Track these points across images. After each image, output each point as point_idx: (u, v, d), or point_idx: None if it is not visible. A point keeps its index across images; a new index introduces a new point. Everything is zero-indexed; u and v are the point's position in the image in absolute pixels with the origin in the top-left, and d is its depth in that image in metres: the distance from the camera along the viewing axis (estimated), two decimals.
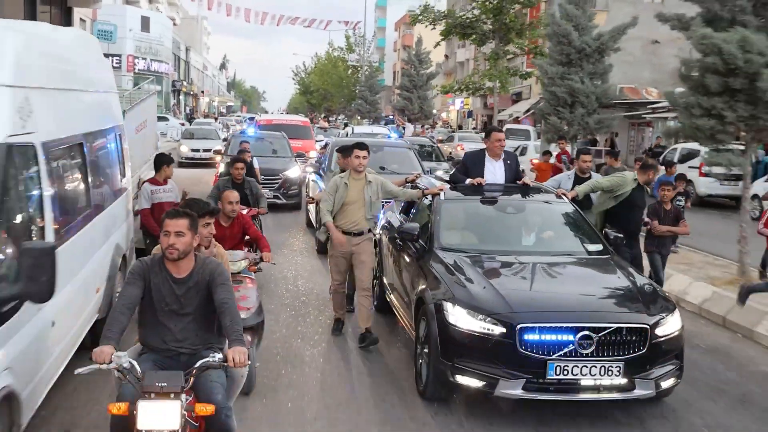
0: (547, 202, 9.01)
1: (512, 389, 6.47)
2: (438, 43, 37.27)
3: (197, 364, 4.73)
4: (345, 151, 9.42)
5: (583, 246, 8.23)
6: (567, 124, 22.30)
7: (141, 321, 5.14)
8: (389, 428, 6.59)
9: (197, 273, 5.06)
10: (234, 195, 8.34)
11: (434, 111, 62.60)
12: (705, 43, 12.56)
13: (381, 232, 9.48)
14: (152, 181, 10.11)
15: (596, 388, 6.48)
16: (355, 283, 8.80)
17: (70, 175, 7.03)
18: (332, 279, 9.05)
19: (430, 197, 8.86)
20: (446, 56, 60.60)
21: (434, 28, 35.47)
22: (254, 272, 7.72)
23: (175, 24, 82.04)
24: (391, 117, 61.38)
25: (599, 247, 8.16)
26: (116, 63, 57.26)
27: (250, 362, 4.96)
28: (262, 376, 7.33)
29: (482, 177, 9.08)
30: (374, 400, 7.17)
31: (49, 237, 5.84)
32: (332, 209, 8.59)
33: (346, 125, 44.52)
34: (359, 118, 61.45)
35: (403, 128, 44.40)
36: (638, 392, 6.54)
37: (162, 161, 10.23)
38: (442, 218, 8.29)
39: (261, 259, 7.84)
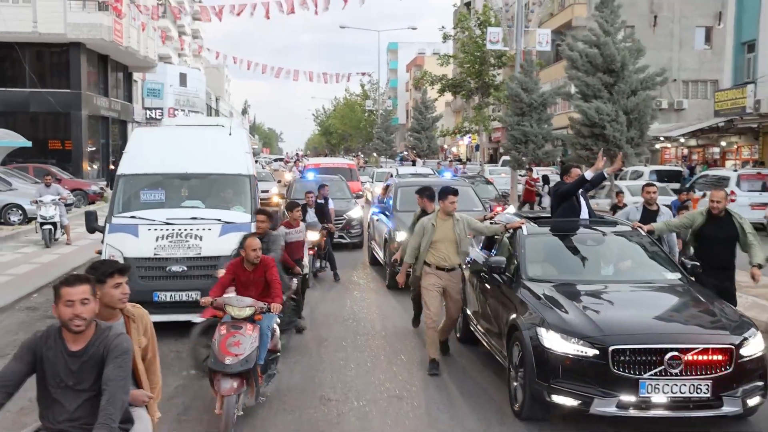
0: (623, 235, 9.14)
1: (606, 407, 6.63)
2: (436, 99, 50.19)
3: None
4: (423, 193, 10.31)
5: (662, 274, 8.39)
6: (523, 156, 31.40)
7: (38, 397, 4.45)
8: None
9: (93, 345, 4.35)
10: (257, 242, 7.90)
11: (445, 146, 68.88)
12: (579, 108, 26.02)
13: (464, 267, 9.71)
14: (286, 224, 11.39)
15: (687, 406, 6.62)
16: (446, 313, 9.27)
17: None
18: (426, 317, 9.07)
19: (510, 232, 9.07)
20: (454, 96, 62.37)
21: (433, 88, 44.13)
22: (259, 320, 7.31)
23: None
24: (405, 153, 63.50)
25: (677, 275, 8.33)
26: (159, 115, 59.09)
27: None
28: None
29: (576, 211, 9.78)
30: (475, 420, 7.39)
31: None
32: (417, 248, 9.03)
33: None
34: (376, 155, 64.28)
35: (413, 162, 46.16)
36: (726, 409, 6.67)
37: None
38: (527, 251, 8.53)
39: (268, 309, 7.40)
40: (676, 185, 27.00)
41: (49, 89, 38.96)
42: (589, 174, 9.70)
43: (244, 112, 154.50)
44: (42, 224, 18.89)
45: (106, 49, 41.72)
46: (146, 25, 47.68)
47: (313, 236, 13.63)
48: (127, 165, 11.74)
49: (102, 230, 11.08)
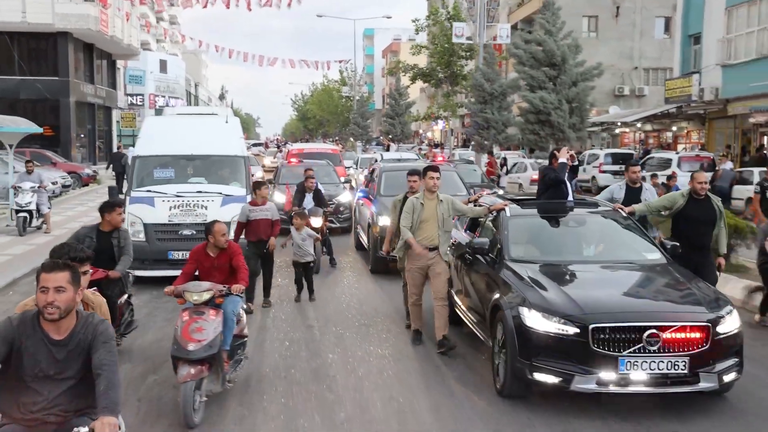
0: (605, 216, 8.86)
1: (586, 384, 6.40)
2: (408, 86, 51.79)
3: None
4: (414, 173, 9.62)
5: (642, 255, 8.08)
6: (485, 140, 32.66)
7: (1, 388, 3.96)
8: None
9: (79, 333, 3.94)
10: (224, 227, 7.54)
11: (420, 131, 75.07)
12: (526, 98, 28.24)
13: (448, 249, 9.25)
14: (252, 202, 10.75)
15: (664, 382, 6.40)
16: (432, 293, 8.65)
17: None
18: (410, 293, 8.88)
19: (494, 213, 8.72)
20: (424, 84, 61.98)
21: (405, 75, 45.53)
22: (220, 304, 6.83)
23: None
24: (381, 138, 62.59)
25: (657, 255, 8.03)
26: (140, 101, 57.79)
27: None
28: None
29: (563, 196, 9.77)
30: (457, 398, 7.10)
31: None
32: (411, 226, 8.57)
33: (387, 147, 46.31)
34: (353, 140, 63.20)
35: (388, 147, 45.32)
36: (703, 385, 6.45)
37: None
38: (510, 233, 8.20)
39: (229, 291, 6.89)
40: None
41: (37, 77, 38.44)
42: (564, 160, 9.66)
43: (222, 97, 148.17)
44: (17, 212, 17.10)
45: (92, 38, 41.07)
46: (130, 15, 46.90)
47: (317, 222, 13.06)
48: (141, 148, 13.25)
49: (123, 202, 11.89)
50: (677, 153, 28.88)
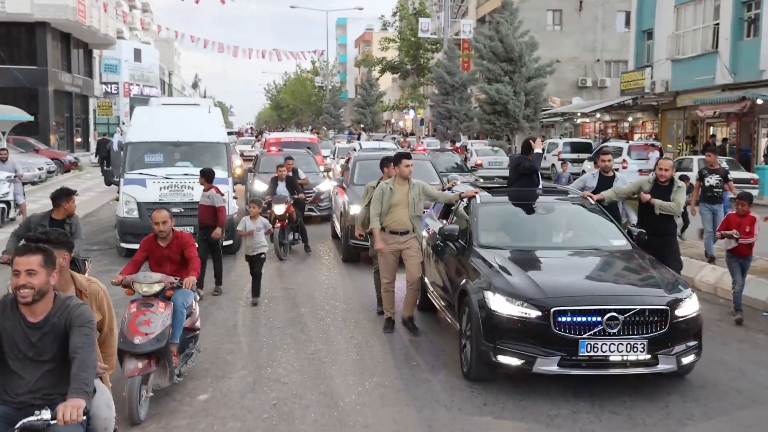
0: (574, 204, 8.68)
1: (548, 366, 6.29)
2: (377, 79, 53.97)
3: (17, 426, 3.59)
4: (389, 161, 9.27)
5: (608, 241, 7.92)
6: (447, 129, 33.26)
7: None
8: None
9: (54, 316, 3.83)
10: (163, 214, 6.90)
11: (392, 120, 73.49)
12: (483, 89, 28.42)
13: (423, 237, 9.03)
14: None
15: (623, 364, 6.29)
16: (406, 276, 8.38)
17: None
18: (383, 278, 8.54)
19: (466, 201, 8.53)
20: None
21: (374, 69, 47.10)
22: (170, 297, 6.29)
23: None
24: (351, 127, 61.95)
25: (623, 242, 7.88)
26: (114, 90, 56.65)
27: (85, 417, 3.64)
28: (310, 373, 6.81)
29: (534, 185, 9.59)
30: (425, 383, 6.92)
31: None
32: (380, 213, 8.33)
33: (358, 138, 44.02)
34: (326, 129, 62.57)
35: (359, 136, 44.23)
36: (662, 367, 6.35)
37: None
38: (479, 219, 8.00)
39: (180, 284, 6.36)
40: (588, 155, 28.62)
41: (16, 66, 37.53)
42: (537, 150, 9.59)
43: (195, 86, 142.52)
44: None
45: (70, 28, 40.20)
46: (107, 6, 45.95)
47: (279, 209, 12.79)
48: (133, 135, 13.94)
49: (118, 183, 13.32)
50: (627, 142, 29.47)
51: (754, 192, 19.60)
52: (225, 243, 11.61)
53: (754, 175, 22.58)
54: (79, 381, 3.62)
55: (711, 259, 11.61)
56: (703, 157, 16.37)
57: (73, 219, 7.79)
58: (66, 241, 4.71)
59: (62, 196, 7.73)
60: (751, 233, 8.81)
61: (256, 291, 9.88)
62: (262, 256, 10.09)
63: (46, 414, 3.56)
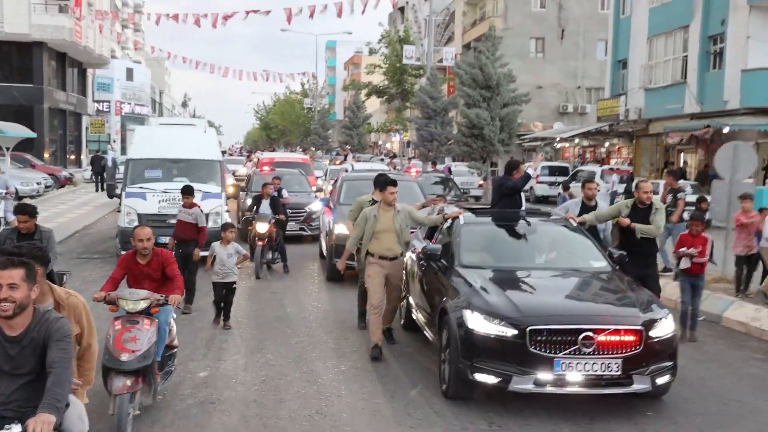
0: (556, 225, 8.59)
1: (524, 384, 6.14)
2: (364, 102, 53.34)
3: None
4: (376, 185, 8.93)
5: (589, 263, 7.77)
6: (429, 152, 33.33)
7: None
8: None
9: (33, 330, 3.70)
10: (145, 232, 6.57)
11: (380, 142, 74.49)
12: (464, 113, 28.10)
13: (408, 256, 8.86)
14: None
15: (598, 383, 6.16)
16: (386, 298, 8.22)
17: None
18: (370, 297, 8.10)
19: (449, 222, 8.37)
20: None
21: (360, 93, 47.78)
22: (155, 314, 5.92)
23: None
24: (338, 149, 61.35)
25: (603, 263, 7.72)
26: (106, 108, 56.14)
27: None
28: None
29: (517, 206, 9.57)
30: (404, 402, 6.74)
31: None
32: (358, 237, 8.22)
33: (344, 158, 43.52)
34: (314, 149, 62.01)
35: (345, 157, 44.00)
36: (636, 386, 6.21)
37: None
38: (462, 240, 7.85)
39: (166, 301, 6.01)
40: (565, 177, 28.74)
41: (13, 84, 37.31)
42: (531, 171, 9.44)
43: (185, 104, 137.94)
44: None
45: (66, 48, 39.97)
46: (103, 27, 45.86)
47: (262, 227, 12.55)
48: (133, 152, 14.72)
49: (119, 196, 14.07)
50: (600, 166, 29.86)
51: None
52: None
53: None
54: (51, 396, 3.50)
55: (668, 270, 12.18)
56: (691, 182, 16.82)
57: (43, 233, 7.32)
58: (41, 255, 4.50)
59: (28, 211, 7.25)
60: (702, 253, 8.83)
61: (226, 315, 9.18)
62: (234, 286, 9.26)
63: (16, 428, 3.45)
